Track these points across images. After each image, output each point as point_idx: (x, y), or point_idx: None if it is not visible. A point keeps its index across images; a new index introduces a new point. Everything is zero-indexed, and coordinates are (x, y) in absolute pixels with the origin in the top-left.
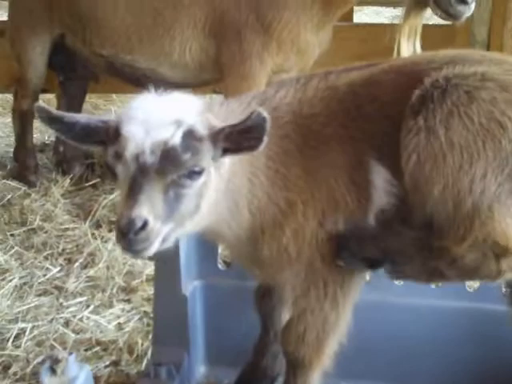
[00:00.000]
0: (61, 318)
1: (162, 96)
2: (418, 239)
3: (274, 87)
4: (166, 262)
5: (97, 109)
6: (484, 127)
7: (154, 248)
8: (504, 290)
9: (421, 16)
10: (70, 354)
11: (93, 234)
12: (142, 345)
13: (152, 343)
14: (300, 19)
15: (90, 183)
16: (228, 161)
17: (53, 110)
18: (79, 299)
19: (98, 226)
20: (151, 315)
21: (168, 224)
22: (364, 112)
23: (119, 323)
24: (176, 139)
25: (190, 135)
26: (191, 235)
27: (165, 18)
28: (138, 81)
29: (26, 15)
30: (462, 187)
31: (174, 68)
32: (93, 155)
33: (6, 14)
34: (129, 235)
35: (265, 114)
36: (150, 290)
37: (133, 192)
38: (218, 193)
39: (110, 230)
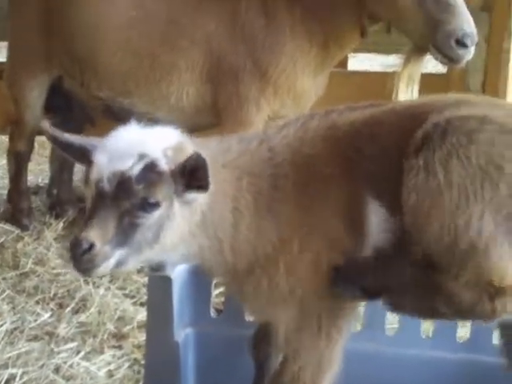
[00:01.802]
0: (51, 363)
1: (143, 129)
2: (416, 274)
3: (276, 127)
4: (159, 308)
5: None
6: (482, 169)
7: (103, 269)
8: (498, 340)
9: (420, 62)
10: None
11: (84, 280)
12: None
13: None
14: (297, 65)
15: None
16: (202, 195)
17: (55, 130)
18: (70, 345)
19: None
20: (142, 362)
21: (121, 249)
22: (364, 152)
23: (109, 370)
24: (134, 171)
25: (150, 168)
26: (184, 282)
27: (162, 62)
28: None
29: (25, 57)
30: (458, 226)
31: (171, 112)
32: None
33: (4, 55)
34: (73, 255)
35: (201, 158)
36: (140, 337)
37: (88, 216)
38: (192, 226)
39: (103, 276)
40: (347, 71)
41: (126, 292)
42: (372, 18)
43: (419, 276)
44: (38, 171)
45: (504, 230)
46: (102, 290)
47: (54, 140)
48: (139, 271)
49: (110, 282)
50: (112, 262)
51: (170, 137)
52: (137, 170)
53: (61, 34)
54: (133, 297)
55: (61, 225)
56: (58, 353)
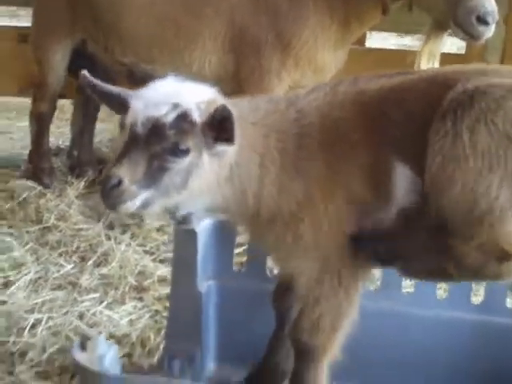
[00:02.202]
0: (75, 311)
1: (179, 81)
2: (428, 238)
3: (306, 90)
4: (184, 259)
5: (110, 116)
6: (508, 136)
7: (129, 206)
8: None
9: (440, 40)
10: (100, 333)
11: (106, 235)
12: (155, 340)
13: (165, 337)
14: (318, 38)
15: None
16: (232, 149)
17: (93, 79)
18: (92, 295)
19: (110, 227)
20: (163, 314)
21: (148, 191)
22: (392, 117)
23: (131, 319)
24: (168, 118)
25: (182, 118)
26: (208, 236)
27: (186, 30)
28: None
29: (50, 21)
30: (478, 191)
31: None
32: (106, 161)
33: (29, 20)
34: (105, 189)
35: (227, 109)
36: (161, 290)
37: (120, 155)
38: (220, 178)
39: (123, 232)
40: (365, 48)
41: (147, 249)
42: None
43: (431, 239)
44: (58, 134)
45: None
46: (123, 246)
47: (92, 88)
48: (159, 230)
49: (131, 238)
50: (138, 201)
51: (204, 92)
52: (170, 117)
53: None
54: (152, 253)
55: (82, 184)
56: (82, 302)
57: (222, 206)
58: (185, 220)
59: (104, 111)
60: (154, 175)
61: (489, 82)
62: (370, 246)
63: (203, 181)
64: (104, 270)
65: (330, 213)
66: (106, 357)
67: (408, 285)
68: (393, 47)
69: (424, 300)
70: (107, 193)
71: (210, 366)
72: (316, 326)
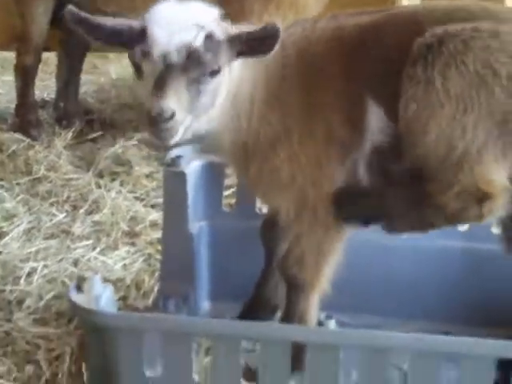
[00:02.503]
0: (69, 258)
1: (183, 3)
2: (409, 193)
3: (285, 26)
4: (174, 201)
5: (94, 68)
6: (479, 75)
7: (178, 136)
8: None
9: None
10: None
11: (96, 183)
12: (149, 282)
13: (159, 278)
14: None
15: (91, 137)
16: (238, 66)
17: (82, 12)
18: (86, 242)
19: (100, 176)
20: (156, 257)
21: (190, 116)
22: (368, 54)
23: (125, 264)
24: (198, 41)
25: (210, 38)
26: (198, 178)
27: None
28: None
29: None
30: (454, 135)
31: None
32: (92, 111)
33: None
34: (159, 124)
35: (278, 26)
36: (153, 235)
37: (159, 87)
38: (227, 95)
39: (113, 180)
40: None
41: (137, 195)
42: None
43: (410, 193)
44: (43, 87)
45: (496, 134)
46: (113, 194)
47: (82, 24)
48: (148, 176)
49: (121, 185)
50: (183, 129)
51: (210, 9)
52: (200, 40)
53: None
54: (143, 199)
55: (70, 134)
56: (75, 249)
57: (222, 130)
58: (174, 163)
59: (88, 62)
60: (193, 99)
61: (456, 26)
62: (353, 209)
63: (222, 97)
64: (96, 218)
65: (307, 148)
66: (102, 297)
67: None
68: None
69: None
70: (162, 127)
71: (205, 304)
72: (301, 261)
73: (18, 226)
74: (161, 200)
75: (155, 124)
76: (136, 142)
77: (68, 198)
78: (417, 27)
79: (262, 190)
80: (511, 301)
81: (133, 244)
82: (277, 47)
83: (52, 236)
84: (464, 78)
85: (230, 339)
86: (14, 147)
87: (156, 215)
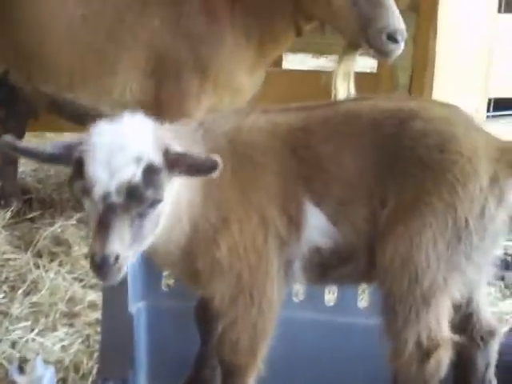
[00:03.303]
0: (7, 339)
1: (117, 125)
2: None
3: (215, 116)
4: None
5: None
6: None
7: (123, 272)
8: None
9: (353, 59)
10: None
11: (35, 264)
12: (87, 364)
13: (99, 360)
14: (235, 61)
15: (30, 216)
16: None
17: (18, 143)
18: (24, 323)
19: (39, 256)
20: (94, 338)
21: (133, 248)
22: (299, 155)
23: (63, 345)
24: (137, 177)
25: (149, 170)
26: (138, 257)
27: (107, 58)
28: (79, 118)
29: None
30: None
31: (115, 106)
32: (31, 191)
33: None
34: (103, 268)
35: (218, 160)
36: (92, 316)
37: (102, 229)
38: (169, 205)
39: (51, 260)
40: (281, 69)
41: (75, 275)
42: (307, 18)
43: None
44: None
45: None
46: (52, 274)
47: (21, 152)
48: (86, 256)
49: (60, 266)
50: (127, 264)
51: (144, 126)
52: (139, 175)
53: (8, 28)
54: (81, 280)
55: (8, 214)
56: (13, 330)
57: (166, 236)
58: None
59: (26, 141)
60: (137, 232)
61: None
62: None
63: (164, 216)
64: (34, 299)
65: (245, 234)
66: (44, 379)
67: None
68: (310, 68)
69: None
70: (107, 271)
71: None
72: (235, 346)
73: None
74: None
75: (99, 268)
76: (75, 222)
77: (6, 278)
78: (351, 130)
79: (201, 281)
80: None
81: (71, 325)
82: (217, 174)
83: None
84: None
85: None
86: None
87: (95, 296)
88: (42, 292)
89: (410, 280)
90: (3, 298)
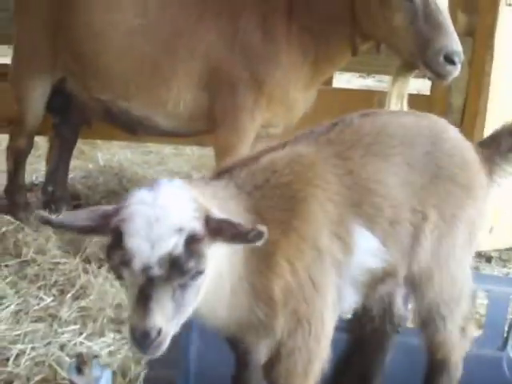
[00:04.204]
0: (56, 342)
1: (155, 193)
2: None
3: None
4: None
5: (82, 154)
6: None
7: (166, 346)
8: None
9: (408, 80)
10: (95, 357)
11: (84, 269)
12: (135, 370)
13: (146, 366)
14: (291, 78)
15: None
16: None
17: (52, 218)
18: (72, 327)
19: (88, 261)
20: None
21: (175, 320)
22: (345, 182)
23: (110, 351)
24: (179, 248)
25: (191, 240)
26: None
27: (163, 69)
28: (132, 127)
29: (30, 57)
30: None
31: (168, 117)
32: (80, 197)
33: (9, 58)
34: (145, 344)
35: (264, 230)
36: None
37: (142, 301)
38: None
39: (100, 266)
40: (332, 88)
41: (123, 282)
42: (364, 37)
43: None
44: (32, 170)
45: None
46: (100, 280)
47: (60, 226)
48: None
49: (108, 272)
50: (170, 337)
51: (185, 195)
52: (181, 246)
53: (67, 36)
54: None
55: None
56: (62, 333)
57: (208, 304)
58: None
59: (76, 148)
60: (179, 304)
61: None
62: None
63: (207, 286)
64: (83, 303)
65: (299, 271)
66: (102, 379)
67: None
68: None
69: None
70: (149, 346)
71: None
72: (291, 372)
73: (7, 307)
74: None
75: (141, 343)
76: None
77: (56, 282)
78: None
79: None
80: None
81: (118, 331)
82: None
83: (40, 319)
84: None
85: None
86: (3, 229)
87: None
88: (91, 297)
89: (447, 287)
90: (52, 301)
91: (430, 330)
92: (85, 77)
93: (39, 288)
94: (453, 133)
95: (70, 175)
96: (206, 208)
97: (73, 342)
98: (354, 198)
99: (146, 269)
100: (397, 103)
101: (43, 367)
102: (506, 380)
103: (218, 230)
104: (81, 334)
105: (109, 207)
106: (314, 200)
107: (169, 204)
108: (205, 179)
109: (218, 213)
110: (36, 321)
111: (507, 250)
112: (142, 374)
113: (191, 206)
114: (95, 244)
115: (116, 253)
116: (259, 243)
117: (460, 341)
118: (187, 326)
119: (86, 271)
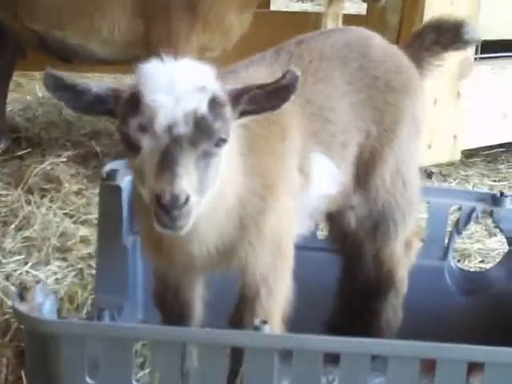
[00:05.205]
0: (1, 272)
1: (173, 61)
2: None
3: (243, 64)
4: (109, 214)
5: (20, 86)
6: None
7: (191, 222)
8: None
9: (342, 1)
10: (37, 283)
11: (26, 200)
12: (82, 296)
13: (94, 291)
14: (225, 1)
15: (19, 154)
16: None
17: (65, 76)
18: (17, 257)
19: (30, 192)
20: (88, 272)
21: (199, 193)
22: (306, 110)
23: (57, 278)
24: (204, 107)
25: (215, 102)
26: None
27: None
28: (67, 56)
29: None
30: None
31: (103, 45)
32: (19, 130)
33: None
34: (173, 211)
35: (298, 72)
36: (84, 250)
37: (168, 165)
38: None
39: (43, 196)
40: (269, 11)
41: (66, 211)
42: None
43: None
44: None
45: None
46: (43, 210)
47: (61, 88)
48: (77, 193)
49: (51, 202)
50: (195, 212)
51: (205, 67)
52: (205, 106)
53: None
54: (72, 216)
55: None
56: (7, 263)
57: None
58: (109, 176)
59: (13, 81)
60: (202, 177)
61: None
62: None
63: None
64: (26, 233)
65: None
66: (45, 305)
67: None
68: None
69: None
70: (178, 212)
71: (139, 316)
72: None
73: None
74: (91, 216)
75: (168, 212)
76: (65, 159)
77: None
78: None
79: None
80: None
81: (64, 259)
82: (292, 98)
83: None
84: None
85: (169, 344)
86: None
87: (86, 231)
88: (35, 227)
89: (400, 190)
90: None
91: (379, 238)
92: (16, 8)
93: None
94: (378, 40)
95: (9, 108)
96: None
97: (18, 272)
98: (314, 127)
99: (170, 127)
100: (332, 24)
101: None
102: (447, 288)
103: (241, 94)
104: (26, 263)
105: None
106: (290, 126)
107: (188, 67)
108: None
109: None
110: None
111: (448, 165)
112: (90, 299)
113: (210, 72)
114: (36, 175)
115: (133, 120)
116: (291, 97)
117: (405, 255)
118: (133, 251)
119: (28, 202)
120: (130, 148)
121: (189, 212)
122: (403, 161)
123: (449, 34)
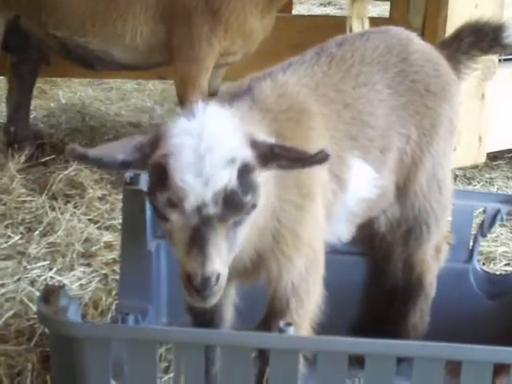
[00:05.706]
0: (26, 278)
1: (196, 121)
2: None
3: (280, 67)
4: (133, 219)
5: (43, 93)
6: None
7: (221, 292)
8: None
9: (366, 3)
10: (61, 287)
11: (50, 206)
12: (106, 301)
13: (118, 296)
14: (246, 5)
15: (43, 160)
16: None
17: (88, 152)
18: (42, 263)
19: (54, 198)
20: (112, 277)
21: (228, 260)
22: (343, 115)
23: (81, 284)
24: (233, 181)
25: (244, 171)
26: None
27: (118, 2)
28: (90, 63)
29: None
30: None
31: (125, 51)
32: (43, 136)
33: None
34: (205, 292)
35: (329, 152)
36: (108, 256)
37: (199, 245)
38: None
39: (67, 202)
40: (292, 15)
41: (90, 217)
42: None
43: None
44: None
45: None
46: (67, 216)
47: (84, 159)
48: (101, 199)
49: (75, 208)
50: (225, 281)
51: (227, 119)
52: (234, 179)
53: None
54: (97, 222)
55: (22, 158)
56: (32, 269)
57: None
58: (132, 181)
59: (36, 87)
60: (231, 244)
61: None
62: None
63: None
64: (51, 239)
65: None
66: (69, 308)
67: None
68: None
69: None
70: (209, 293)
71: (163, 321)
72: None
73: None
74: (115, 222)
75: (200, 291)
76: (88, 165)
77: (22, 220)
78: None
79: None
80: None
81: (88, 265)
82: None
83: (9, 257)
84: None
85: (193, 346)
86: None
87: (110, 237)
88: (59, 233)
89: (435, 195)
90: (20, 238)
91: (411, 243)
92: (39, 14)
93: (6, 227)
94: (417, 41)
95: (32, 115)
96: (250, 132)
97: (43, 278)
98: (352, 131)
99: (199, 208)
100: (358, 26)
101: (14, 303)
102: (472, 291)
103: (269, 155)
104: (50, 269)
105: (142, 138)
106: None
107: (215, 132)
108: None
109: (263, 136)
110: (5, 259)
111: (472, 168)
112: (114, 305)
113: (237, 132)
114: (60, 181)
115: (161, 193)
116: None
117: (434, 260)
118: (156, 255)
119: (52, 208)
120: (160, 216)
121: (219, 287)
122: (439, 165)
123: (488, 38)
